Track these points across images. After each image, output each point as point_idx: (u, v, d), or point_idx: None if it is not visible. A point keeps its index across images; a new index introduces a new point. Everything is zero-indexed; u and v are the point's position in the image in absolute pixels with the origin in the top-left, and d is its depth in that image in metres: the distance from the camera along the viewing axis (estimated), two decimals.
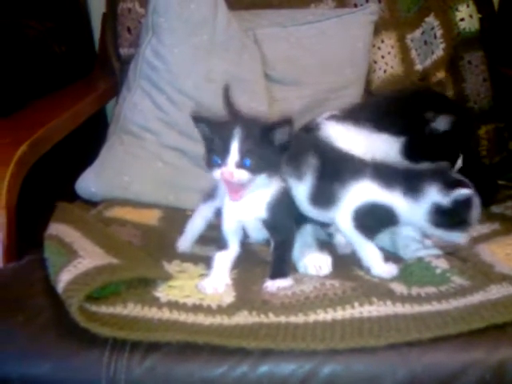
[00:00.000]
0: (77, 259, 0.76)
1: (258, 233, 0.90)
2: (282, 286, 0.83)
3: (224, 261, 0.87)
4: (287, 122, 0.82)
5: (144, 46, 1.34)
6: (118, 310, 0.73)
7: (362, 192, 0.88)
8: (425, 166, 0.93)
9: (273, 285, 0.84)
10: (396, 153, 1.01)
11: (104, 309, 0.73)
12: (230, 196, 0.83)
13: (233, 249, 0.89)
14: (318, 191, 0.88)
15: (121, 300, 0.74)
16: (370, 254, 0.89)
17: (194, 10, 1.33)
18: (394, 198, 0.88)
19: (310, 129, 1.05)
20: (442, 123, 0.99)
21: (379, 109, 1.07)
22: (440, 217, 0.86)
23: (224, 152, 0.80)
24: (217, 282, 0.84)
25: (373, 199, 0.88)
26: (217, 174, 0.81)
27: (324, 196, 0.88)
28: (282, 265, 0.87)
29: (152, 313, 0.73)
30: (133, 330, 0.69)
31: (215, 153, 0.81)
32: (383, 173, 0.89)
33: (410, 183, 0.87)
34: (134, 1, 1.48)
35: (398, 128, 1.01)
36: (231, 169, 0.79)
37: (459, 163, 1.03)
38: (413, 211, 0.87)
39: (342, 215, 0.88)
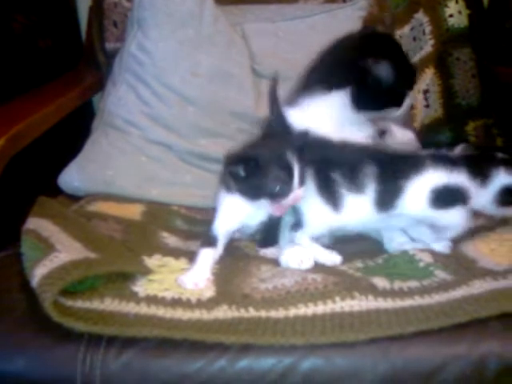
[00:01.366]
0: (53, 253, 0.75)
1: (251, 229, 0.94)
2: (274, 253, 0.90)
3: (209, 258, 0.86)
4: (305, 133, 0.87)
5: (129, 40, 1.33)
6: (95, 304, 0.72)
7: (430, 180, 0.88)
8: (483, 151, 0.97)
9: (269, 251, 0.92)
10: (348, 106, 0.98)
11: (80, 303, 0.71)
12: (275, 211, 0.86)
13: (220, 248, 0.89)
14: (382, 196, 0.88)
15: (98, 294, 0.73)
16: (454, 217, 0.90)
17: (179, 4, 1.32)
18: (457, 180, 0.89)
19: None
20: (382, 71, 0.95)
21: (324, 66, 1.03)
22: (508, 197, 0.91)
23: (288, 179, 0.82)
24: (198, 277, 0.82)
25: (442, 182, 0.88)
26: (285, 201, 0.83)
27: (390, 197, 0.88)
28: (273, 233, 0.92)
29: (129, 307, 0.72)
30: (108, 325, 0.68)
31: (275, 183, 0.82)
32: (444, 161, 0.90)
33: (474, 169, 0.90)
34: None
35: (343, 80, 0.97)
36: (299, 192, 0.83)
37: (408, 102, 1.00)
38: (479, 194, 0.91)
39: (414, 202, 0.88)
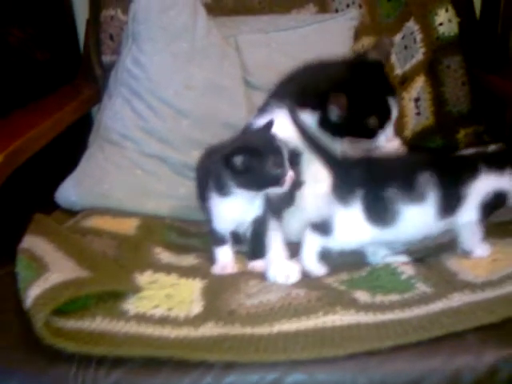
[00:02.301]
0: (46, 274, 0.78)
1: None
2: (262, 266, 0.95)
3: (228, 252, 0.99)
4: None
5: (124, 53, 1.36)
6: (86, 324, 0.75)
7: (483, 186, 0.91)
8: None
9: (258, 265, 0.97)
10: (316, 126, 1.01)
11: (72, 323, 0.74)
12: (285, 186, 0.91)
13: (230, 242, 0.99)
14: (443, 203, 0.89)
15: (89, 314, 0.76)
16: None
17: (173, 17, 1.35)
18: (506, 182, 0.92)
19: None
20: (336, 107, 0.97)
21: (302, 82, 1.05)
22: None
23: (282, 163, 0.90)
24: (225, 265, 0.97)
25: (492, 188, 0.91)
26: (287, 181, 0.90)
27: (450, 205, 0.90)
28: (261, 244, 0.96)
29: (119, 326, 0.75)
30: (98, 345, 0.71)
31: (274, 169, 0.89)
32: (493, 161, 0.93)
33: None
34: (117, 8, 1.49)
35: (313, 104, 1.00)
36: (292, 173, 0.91)
37: (383, 137, 1.02)
38: None
39: (469, 211, 0.91)
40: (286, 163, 0.90)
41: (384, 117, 1.01)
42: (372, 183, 0.90)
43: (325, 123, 1.01)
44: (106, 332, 0.74)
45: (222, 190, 0.93)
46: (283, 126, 0.98)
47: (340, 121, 0.99)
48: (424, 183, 0.89)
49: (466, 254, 0.95)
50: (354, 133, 1.01)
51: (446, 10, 1.47)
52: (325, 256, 0.96)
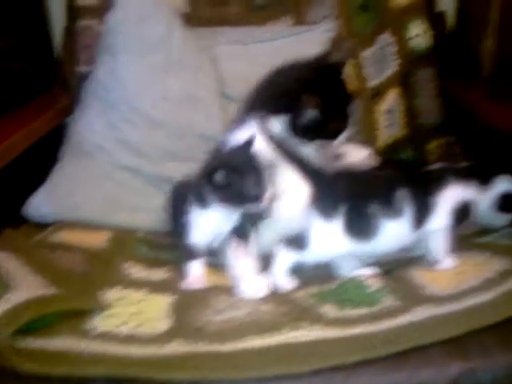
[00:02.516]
0: (8, 294, 0.76)
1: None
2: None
3: (199, 267, 0.98)
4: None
5: (99, 64, 1.35)
6: (50, 343, 0.74)
7: (451, 195, 0.96)
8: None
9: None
10: (287, 131, 1.03)
11: (35, 343, 0.74)
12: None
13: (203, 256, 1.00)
14: (416, 216, 0.93)
15: (53, 332, 0.76)
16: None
17: (149, 28, 1.34)
18: (471, 193, 0.99)
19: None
20: (312, 108, 1.01)
21: (269, 91, 1.09)
22: (506, 202, 1.01)
23: (262, 182, 0.92)
24: (195, 281, 0.96)
25: (460, 197, 0.97)
26: (265, 200, 0.93)
27: (421, 216, 0.94)
28: None
29: (84, 345, 0.75)
30: (61, 365, 0.70)
31: (254, 188, 0.92)
32: (461, 174, 0.99)
33: (481, 177, 1.00)
34: (93, 19, 1.48)
35: (282, 108, 1.03)
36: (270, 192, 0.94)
37: (342, 138, 1.06)
38: (482, 200, 1.00)
39: (439, 218, 0.95)
40: (265, 182, 0.93)
41: (347, 117, 1.05)
42: (353, 198, 0.93)
43: (295, 127, 1.03)
44: (70, 351, 0.73)
45: (202, 203, 0.96)
46: (257, 139, 0.99)
47: (312, 122, 1.02)
48: (401, 198, 0.92)
49: (433, 266, 0.97)
50: (322, 135, 1.05)
51: (421, 23, 1.49)
52: (296, 269, 0.96)
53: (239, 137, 1.03)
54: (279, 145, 0.98)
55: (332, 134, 1.05)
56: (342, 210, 0.91)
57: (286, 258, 0.95)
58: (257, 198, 0.92)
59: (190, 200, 0.98)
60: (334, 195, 0.93)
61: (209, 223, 0.98)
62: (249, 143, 0.96)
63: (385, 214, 0.91)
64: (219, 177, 0.91)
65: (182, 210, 1.00)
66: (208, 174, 0.93)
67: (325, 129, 1.04)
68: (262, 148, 0.99)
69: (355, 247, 0.93)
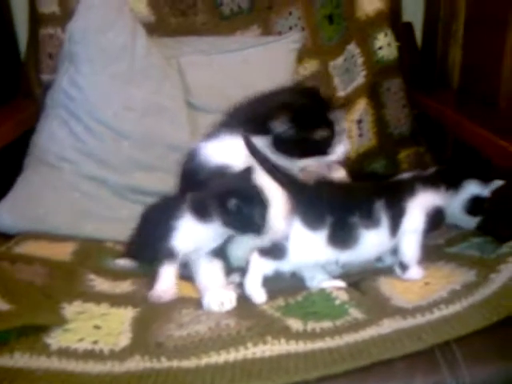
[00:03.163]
0: None
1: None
2: None
3: (171, 273, 0.97)
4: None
5: (61, 74, 1.34)
6: (4, 360, 0.72)
7: (421, 201, 0.98)
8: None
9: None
10: (269, 150, 1.03)
11: None
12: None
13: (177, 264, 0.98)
14: (392, 225, 0.96)
15: (8, 349, 0.73)
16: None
17: (111, 38, 1.33)
18: (441, 199, 1.01)
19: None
20: (280, 128, 1.02)
21: (251, 111, 1.09)
22: (475, 205, 1.05)
23: (267, 215, 0.94)
24: (164, 292, 0.94)
25: (430, 203, 0.99)
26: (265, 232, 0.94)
27: (396, 224, 0.96)
28: None
29: (40, 362, 0.72)
30: (13, 383, 0.68)
31: (261, 219, 0.93)
32: (430, 180, 1.02)
33: (450, 181, 1.04)
34: (56, 27, 1.46)
35: (264, 129, 1.03)
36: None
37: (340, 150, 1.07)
38: (452, 203, 1.04)
39: (413, 223, 0.98)
40: (269, 215, 0.94)
41: (331, 128, 1.05)
42: (336, 209, 0.93)
43: (278, 146, 1.03)
44: (25, 368, 0.71)
45: (201, 218, 0.96)
46: (236, 154, 0.99)
47: (288, 137, 1.02)
48: (378, 209, 0.94)
49: (400, 276, 0.98)
50: (309, 151, 1.05)
51: (386, 35, 1.50)
52: (265, 280, 0.95)
53: (213, 149, 1.03)
54: (260, 158, 0.97)
55: (322, 147, 1.05)
56: (329, 221, 0.92)
57: (260, 268, 0.94)
58: (259, 229, 0.94)
59: (183, 209, 0.98)
60: (319, 206, 0.93)
61: (198, 235, 0.98)
62: (248, 172, 0.97)
63: (364, 224, 0.93)
64: (231, 205, 0.93)
65: (169, 216, 0.99)
66: (219, 198, 0.94)
67: (308, 144, 1.04)
68: (242, 161, 0.99)
69: (336, 256, 0.94)
